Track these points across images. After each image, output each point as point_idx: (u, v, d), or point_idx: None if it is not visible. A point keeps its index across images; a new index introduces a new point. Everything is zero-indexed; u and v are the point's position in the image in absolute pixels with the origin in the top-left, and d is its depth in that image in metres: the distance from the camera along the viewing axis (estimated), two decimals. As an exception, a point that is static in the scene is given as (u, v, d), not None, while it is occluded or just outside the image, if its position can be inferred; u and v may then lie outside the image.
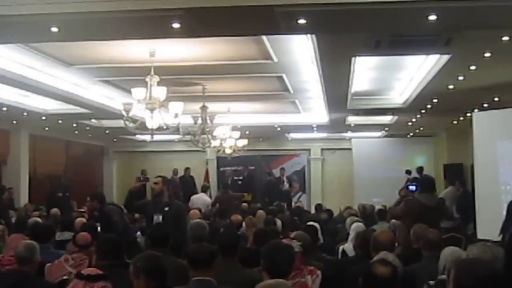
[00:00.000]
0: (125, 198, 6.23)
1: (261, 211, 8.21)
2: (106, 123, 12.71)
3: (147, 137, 13.88)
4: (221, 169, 15.86)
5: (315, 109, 11.77)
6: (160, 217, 5.76)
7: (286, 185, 14.38)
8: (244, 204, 10.77)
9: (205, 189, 11.88)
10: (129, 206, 6.20)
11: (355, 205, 11.59)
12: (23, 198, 11.28)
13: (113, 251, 3.60)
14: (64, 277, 3.87)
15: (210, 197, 12.12)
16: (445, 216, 6.28)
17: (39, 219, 7.04)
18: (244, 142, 11.86)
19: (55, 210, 8.55)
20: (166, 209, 5.88)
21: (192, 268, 3.22)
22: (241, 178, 15.00)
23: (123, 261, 3.55)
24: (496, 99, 9.19)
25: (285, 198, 13.38)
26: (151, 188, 6.57)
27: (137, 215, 7.77)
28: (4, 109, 9.59)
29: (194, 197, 10.95)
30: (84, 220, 6.72)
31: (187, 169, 14.75)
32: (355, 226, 5.73)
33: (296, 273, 3.53)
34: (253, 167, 15.52)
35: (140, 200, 6.41)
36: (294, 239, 3.97)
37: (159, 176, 6.22)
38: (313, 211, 11.64)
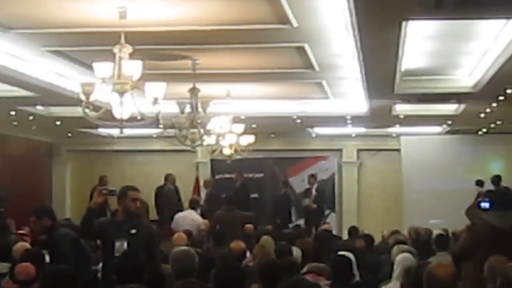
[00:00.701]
0: (83, 219, 6.22)
1: (266, 237, 8.14)
2: (57, 111, 12.86)
3: (114, 131, 14.52)
4: (217, 176, 16.02)
5: (349, 94, 11.71)
6: (125, 243, 5.83)
7: (307, 200, 14.34)
8: (248, 226, 10.79)
9: (194, 205, 11.90)
10: (87, 230, 6.18)
11: (404, 229, 11.65)
12: None
13: None
14: None
15: (202, 215, 12.03)
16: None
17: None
18: (250, 139, 11.88)
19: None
20: (133, 231, 5.95)
21: None
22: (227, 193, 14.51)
23: None
24: None
25: (313, 218, 13.54)
26: (126, 206, 6.13)
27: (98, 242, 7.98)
28: None
29: (179, 215, 11.04)
30: (26, 245, 6.68)
31: (168, 176, 14.80)
32: (402, 258, 5.79)
33: None
34: (261, 174, 15.79)
35: (99, 220, 6.42)
36: (320, 276, 4.24)
37: (138, 190, 6.23)
38: (345, 236, 11.74)
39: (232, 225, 10.99)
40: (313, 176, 15.23)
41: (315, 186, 14.78)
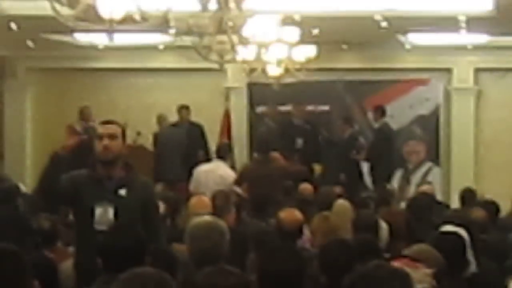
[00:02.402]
0: (43, 173, 6.29)
1: (342, 201, 8.42)
2: (11, 6, 12.02)
3: (99, 39, 13.92)
4: (258, 109, 16.23)
5: None
6: (111, 210, 6.03)
7: (361, 140, 15.01)
8: (306, 186, 10.56)
9: (223, 153, 11.90)
10: (51, 190, 6.26)
11: None
12: None
13: (8, 281, 3.71)
14: None
15: (234, 168, 12.19)
16: None
17: None
18: (310, 52, 11.36)
19: None
20: (122, 193, 6.07)
21: None
22: (300, 131, 14.15)
23: None
24: None
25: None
26: (99, 149, 6.42)
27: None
28: None
29: (201, 169, 11.16)
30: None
31: (182, 109, 14.51)
32: None
33: None
34: (325, 107, 15.99)
35: (69, 173, 6.30)
36: (417, 261, 4.32)
37: (112, 122, 6.34)
38: (455, 204, 11.52)
39: (269, 181, 11.21)
40: (380, 108, 15.50)
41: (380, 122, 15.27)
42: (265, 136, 14.48)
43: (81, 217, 6.19)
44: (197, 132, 14.86)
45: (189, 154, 13.61)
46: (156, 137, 14.27)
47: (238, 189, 10.78)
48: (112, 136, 6.17)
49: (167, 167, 13.49)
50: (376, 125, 15.21)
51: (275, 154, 12.59)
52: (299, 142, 14.70)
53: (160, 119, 14.86)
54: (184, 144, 14.45)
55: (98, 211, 6.09)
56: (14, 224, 6.25)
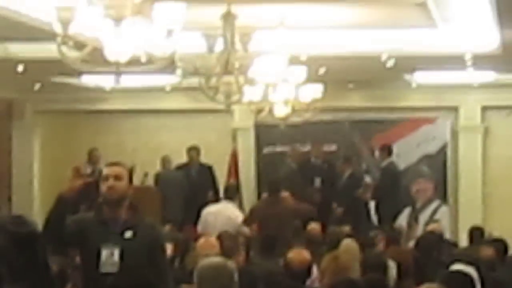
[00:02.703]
0: (50, 214, 6.06)
1: (349, 241, 8.38)
2: (19, 50, 12.15)
3: (106, 81, 14.02)
4: (265, 150, 16.15)
5: (468, 20, 10.80)
6: (116, 253, 5.91)
7: (367, 179, 14.98)
8: (314, 226, 10.48)
9: (231, 193, 11.87)
10: (57, 232, 5.99)
11: None
12: None
13: None
14: None
15: (242, 209, 12.29)
16: None
17: None
18: (317, 91, 10.94)
19: None
20: (128, 235, 5.96)
21: None
22: (318, 171, 13.97)
23: None
24: None
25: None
26: (103, 191, 6.38)
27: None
28: None
29: (209, 211, 11.10)
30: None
31: (192, 150, 14.42)
32: None
33: None
34: (333, 146, 15.79)
35: (75, 215, 6.25)
36: None
37: (117, 164, 6.26)
38: (464, 242, 11.68)
39: (279, 220, 11.17)
40: (387, 147, 15.47)
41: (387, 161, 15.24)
42: (283, 175, 14.61)
43: (87, 259, 6.14)
44: (207, 173, 14.91)
45: (198, 195, 13.69)
46: (157, 178, 14.32)
47: (246, 229, 10.83)
48: (117, 177, 6.15)
49: (172, 209, 13.69)
50: (382, 164, 15.13)
51: (285, 194, 12.57)
52: (317, 181, 14.83)
53: (164, 160, 14.90)
54: (185, 186, 14.62)
55: (104, 253, 6.05)
56: (33, 270, 6.14)
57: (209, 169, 14.99)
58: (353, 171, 14.99)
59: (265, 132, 16.03)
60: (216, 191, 14.10)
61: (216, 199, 12.76)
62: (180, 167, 14.55)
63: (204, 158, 15.06)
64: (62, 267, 7.53)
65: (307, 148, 16.24)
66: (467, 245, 11.03)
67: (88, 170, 9.46)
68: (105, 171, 6.22)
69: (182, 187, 14.74)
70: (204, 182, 14.54)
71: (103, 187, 6.12)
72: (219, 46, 8.92)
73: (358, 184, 14.73)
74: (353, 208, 14.21)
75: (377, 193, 14.73)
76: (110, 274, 5.73)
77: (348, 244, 8.48)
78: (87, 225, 6.23)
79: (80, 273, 6.47)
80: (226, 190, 12.46)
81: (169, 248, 7.78)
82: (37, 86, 15.78)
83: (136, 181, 9.82)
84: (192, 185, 14.27)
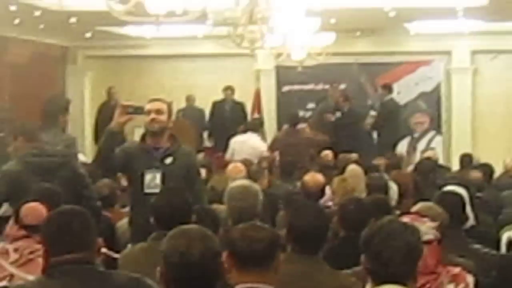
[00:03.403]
0: (101, 145, 6.14)
1: (354, 166, 8.21)
2: (71, 3, 12.49)
3: (147, 31, 13.91)
4: (284, 88, 16.32)
5: None
6: (158, 176, 5.94)
7: (372, 113, 14.96)
8: (327, 153, 10.68)
9: (255, 126, 12.14)
10: (108, 160, 6.11)
11: None
12: None
13: (70, 238, 3.53)
14: (1, 284, 4.16)
15: (265, 139, 12.47)
16: None
17: None
18: (329, 38, 11.15)
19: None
20: (169, 161, 5.97)
21: (237, 268, 3.40)
22: (337, 114, 13.84)
23: (92, 255, 3.59)
24: None
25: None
26: (147, 123, 6.28)
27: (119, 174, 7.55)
28: None
29: (236, 140, 11.29)
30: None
31: (227, 89, 14.70)
32: None
33: (428, 280, 3.77)
34: (343, 85, 15.70)
35: (122, 145, 6.26)
36: (424, 216, 4.16)
37: (159, 100, 6.26)
38: (455, 167, 11.59)
39: (297, 149, 11.31)
40: (388, 86, 15.33)
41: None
42: (294, 113, 14.41)
43: (134, 182, 6.22)
44: (239, 109, 14.98)
45: (230, 127, 13.73)
46: (178, 113, 14.36)
47: (269, 156, 11.03)
48: (158, 111, 6.18)
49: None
50: (383, 100, 15.15)
51: (303, 125, 12.95)
52: (337, 114, 14.65)
53: (189, 99, 15.02)
54: (203, 120, 15.15)
55: (148, 177, 6.11)
56: (72, 185, 6.01)
57: (241, 106, 15.06)
58: (351, 106, 14.72)
59: (284, 73, 15.83)
60: (246, 124, 13.84)
61: (245, 131, 12.75)
62: (216, 103, 14.63)
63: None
64: (111, 190, 7.56)
65: (322, 87, 16.32)
66: (458, 169, 11.03)
67: (131, 110, 9.57)
68: (148, 106, 6.24)
69: (200, 120, 15.00)
70: (236, 117, 14.45)
71: (147, 119, 6.19)
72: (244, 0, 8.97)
73: (356, 118, 14.65)
74: (357, 137, 14.15)
75: (377, 124, 14.75)
76: (153, 194, 5.65)
77: (354, 168, 8.42)
78: (133, 153, 6.28)
79: (127, 194, 6.59)
80: (251, 123, 12.76)
81: (203, 172, 7.87)
82: (87, 34, 15.80)
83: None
84: (225, 119, 14.18)
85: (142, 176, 6.03)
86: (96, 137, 14.83)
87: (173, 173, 6.03)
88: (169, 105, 6.40)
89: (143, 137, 6.41)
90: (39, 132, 7.13)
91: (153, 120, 6.10)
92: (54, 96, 12.76)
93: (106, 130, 6.26)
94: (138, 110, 6.44)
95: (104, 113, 14.68)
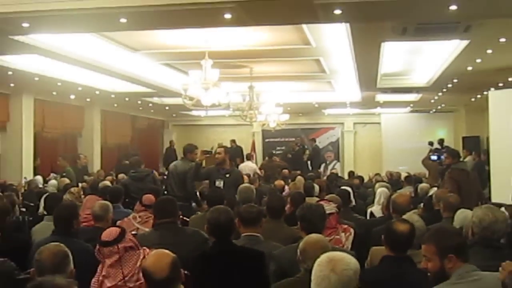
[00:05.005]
0: (195, 168, 7.31)
1: (300, 177, 9.77)
2: (167, 100, 15.89)
3: (202, 113, 16.78)
4: (266, 140, 20.28)
5: (348, 88, 14.09)
6: (222, 182, 7.04)
7: (307, 152, 16.97)
8: (285, 171, 12.48)
9: (249, 157, 14.67)
10: (197, 175, 7.33)
11: (383, 172, 14.69)
12: (96, 165, 15.31)
13: (166, 210, 4.30)
14: (133, 232, 4.56)
15: (256, 163, 15.03)
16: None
17: (109, 183, 8.74)
18: (286, 117, 13.96)
19: (122, 175, 10.80)
20: (227, 175, 7.14)
21: (242, 226, 4.10)
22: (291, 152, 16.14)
23: (176, 219, 4.31)
24: (510, 79, 11.47)
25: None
26: (212, 157, 7.52)
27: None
28: (80, 88, 12.77)
29: (242, 164, 12.90)
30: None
31: (232, 141, 17.37)
32: (381, 191, 7.12)
33: (332, 231, 4.45)
34: (293, 139, 18.77)
35: (206, 168, 7.37)
36: (330, 201, 4.88)
37: (222, 146, 7.48)
38: (346, 177, 13.88)
39: (272, 169, 12.87)
40: (314, 139, 18.65)
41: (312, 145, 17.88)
42: (271, 152, 16.06)
43: (211, 185, 7.20)
44: (239, 150, 17.28)
45: (234, 160, 13.93)
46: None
47: (259, 171, 12.62)
48: (219, 152, 7.31)
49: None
50: (313, 146, 18.39)
51: (275, 158, 15.25)
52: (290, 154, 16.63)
53: (232, 142, 17.17)
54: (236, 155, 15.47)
55: (217, 183, 7.12)
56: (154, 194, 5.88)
57: (240, 148, 17.38)
58: (299, 148, 17.06)
59: (266, 133, 19.86)
60: (243, 157, 16.06)
61: (243, 161, 14.80)
62: (229, 147, 12.92)
63: (239, 143, 18.08)
64: (201, 190, 8.21)
65: (284, 139, 19.37)
66: (347, 178, 13.05)
67: (206, 152, 8.94)
68: (218, 150, 7.34)
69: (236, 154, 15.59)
70: (237, 154, 16.01)
71: (216, 156, 7.25)
72: (247, 99, 11.77)
73: (300, 155, 16.77)
74: (301, 163, 16.13)
75: (310, 157, 17.33)
76: (218, 187, 6.72)
77: (299, 178, 9.65)
78: (211, 172, 7.27)
79: (208, 191, 6.51)
80: (247, 156, 15.44)
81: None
82: (174, 114, 20.10)
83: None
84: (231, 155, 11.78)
85: (214, 182, 7.13)
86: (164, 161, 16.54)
87: (229, 181, 6.97)
88: (225, 149, 7.44)
89: (216, 164, 7.31)
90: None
91: (218, 157, 7.26)
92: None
93: (196, 162, 7.32)
94: (208, 152, 7.60)
95: (168, 151, 18.02)
